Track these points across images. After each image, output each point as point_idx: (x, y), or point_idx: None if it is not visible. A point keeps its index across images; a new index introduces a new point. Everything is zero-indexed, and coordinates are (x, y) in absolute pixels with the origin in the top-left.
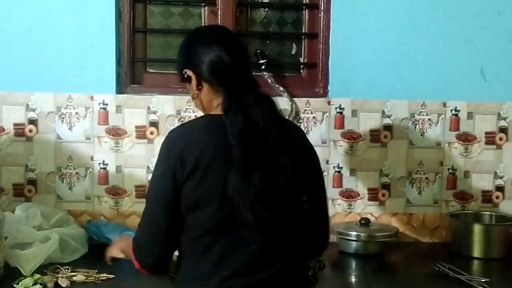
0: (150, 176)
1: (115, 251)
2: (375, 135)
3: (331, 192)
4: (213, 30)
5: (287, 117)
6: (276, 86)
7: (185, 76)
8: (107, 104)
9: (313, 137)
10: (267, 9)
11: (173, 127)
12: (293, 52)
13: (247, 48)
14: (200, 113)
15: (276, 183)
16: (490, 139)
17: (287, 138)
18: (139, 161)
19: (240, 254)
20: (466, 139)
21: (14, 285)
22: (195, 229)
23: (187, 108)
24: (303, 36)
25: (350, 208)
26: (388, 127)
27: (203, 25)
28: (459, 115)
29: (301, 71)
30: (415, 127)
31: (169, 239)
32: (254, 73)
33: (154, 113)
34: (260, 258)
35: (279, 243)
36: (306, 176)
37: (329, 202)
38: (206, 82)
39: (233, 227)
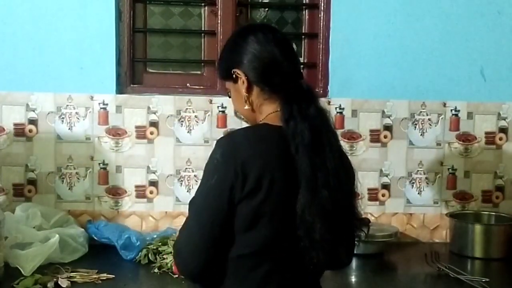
0: (150, 176)
1: None
2: (375, 135)
3: None
4: (267, 30)
5: None
6: None
7: (233, 76)
8: (107, 104)
9: None
10: (267, 9)
11: (228, 132)
12: None
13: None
14: (201, 114)
15: (340, 201)
16: (490, 139)
17: (341, 151)
18: (139, 161)
19: (286, 277)
20: (466, 139)
21: (14, 285)
22: (244, 247)
23: (187, 108)
24: (303, 36)
25: None
26: (388, 127)
27: (253, 23)
28: (459, 115)
29: (301, 71)
30: (415, 127)
31: (214, 252)
32: None
33: (154, 113)
34: (302, 280)
35: (329, 264)
36: (354, 194)
37: None
38: (257, 86)
39: (282, 249)
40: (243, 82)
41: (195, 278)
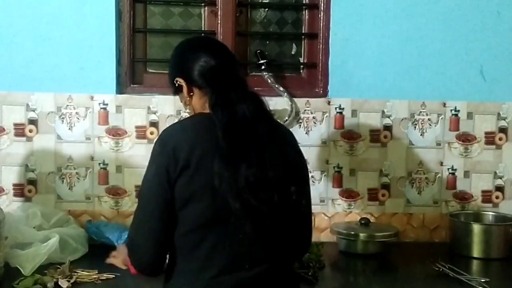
0: None
1: (117, 262)
2: (375, 135)
3: (331, 192)
4: (198, 39)
5: (287, 117)
6: (276, 86)
7: (177, 85)
8: (107, 104)
9: (313, 137)
10: (267, 9)
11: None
12: (293, 52)
13: (234, 52)
14: None
15: (265, 174)
16: (490, 139)
17: (275, 133)
18: (139, 161)
19: (228, 251)
20: (466, 139)
21: (14, 285)
22: (185, 225)
23: None
24: (303, 36)
25: (350, 208)
26: (388, 127)
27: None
28: (459, 115)
29: (301, 71)
30: (415, 127)
31: (164, 237)
32: (254, 73)
33: (154, 113)
34: (247, 255)
35: (266, 237)
36: (294, 171)
37: (329, 202)
38: (196, 87)
39: (221, 222)
40: (184, 87)
41: (151, 268)
